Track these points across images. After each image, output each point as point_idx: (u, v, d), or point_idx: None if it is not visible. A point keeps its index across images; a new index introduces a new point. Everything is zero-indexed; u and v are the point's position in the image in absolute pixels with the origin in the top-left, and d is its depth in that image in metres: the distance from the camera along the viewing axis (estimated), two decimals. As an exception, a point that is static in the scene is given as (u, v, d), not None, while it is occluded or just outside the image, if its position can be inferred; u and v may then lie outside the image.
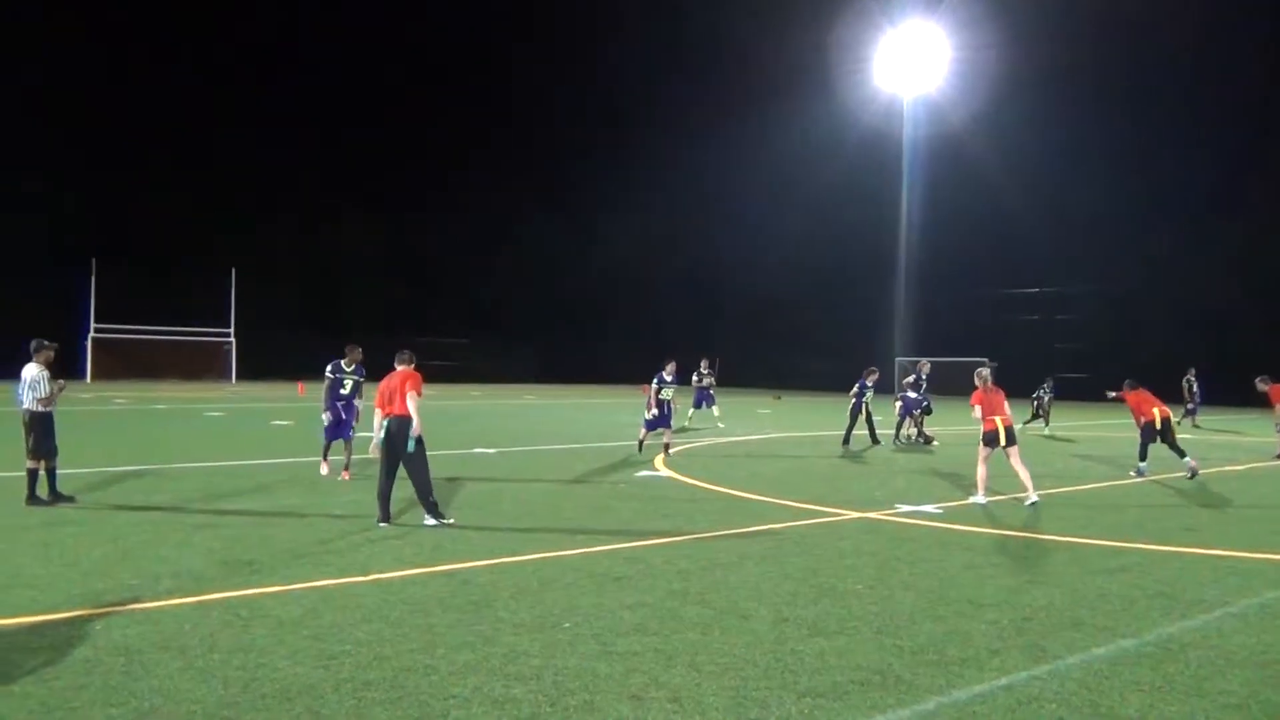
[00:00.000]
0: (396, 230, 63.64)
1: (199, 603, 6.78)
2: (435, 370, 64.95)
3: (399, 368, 10.50)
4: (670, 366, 18.08)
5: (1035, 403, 25.21)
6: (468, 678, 5.31)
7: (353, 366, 13.99)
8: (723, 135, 62.45)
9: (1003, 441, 12.51)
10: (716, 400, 25.81)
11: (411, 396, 10.02)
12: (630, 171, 65.66)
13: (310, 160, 61.97)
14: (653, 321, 66.97)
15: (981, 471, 12.82)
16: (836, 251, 58.37)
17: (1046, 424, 25.23)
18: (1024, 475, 12.40)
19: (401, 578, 7.63)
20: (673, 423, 18.30)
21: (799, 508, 11.73)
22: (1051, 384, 25.50)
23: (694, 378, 25.36)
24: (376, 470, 10.22)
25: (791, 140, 58.33)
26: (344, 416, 13.84)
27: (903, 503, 12.24)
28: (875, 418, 21.25)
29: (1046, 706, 5.07)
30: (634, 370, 62.44)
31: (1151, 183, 46.78)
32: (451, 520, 9.97)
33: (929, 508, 11.88)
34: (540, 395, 47.38)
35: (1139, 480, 15.23)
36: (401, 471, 10.14)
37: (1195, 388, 29.24)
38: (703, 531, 9.85)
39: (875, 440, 20.64)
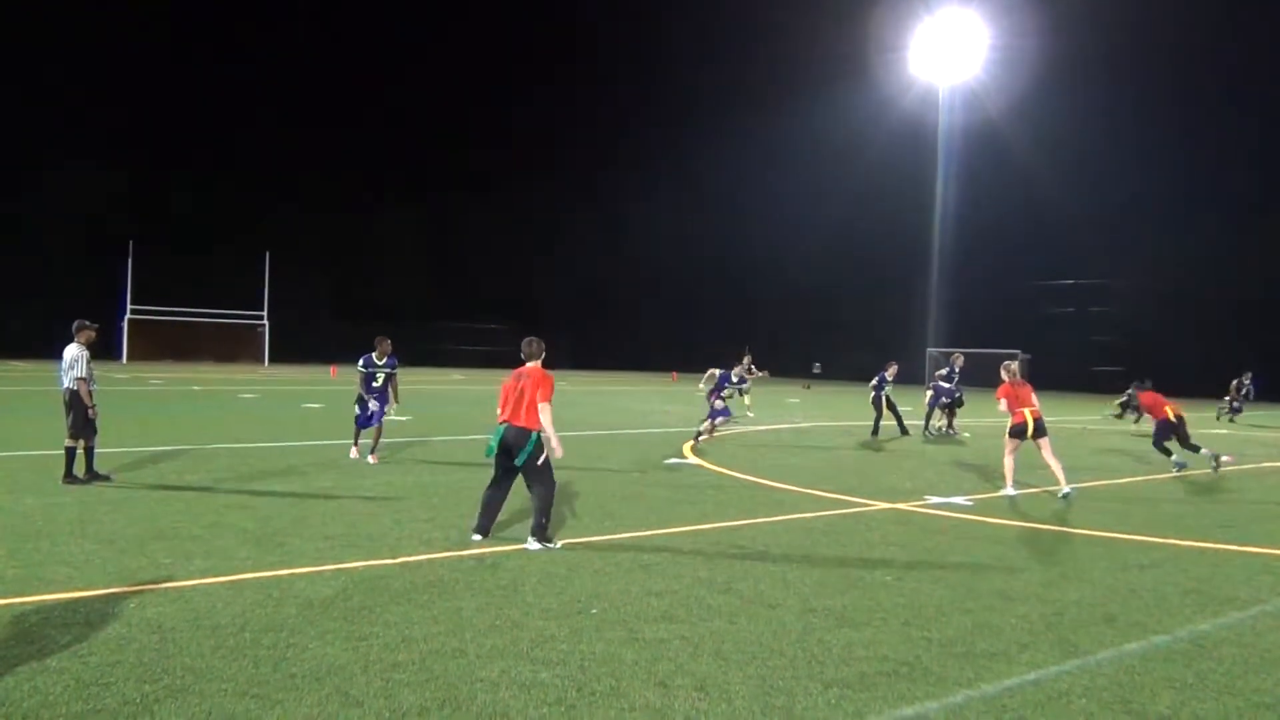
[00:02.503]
0: (432, 217, 63.92)
1: (231, 582, 6.86)
2: (469, 356, 65.35)
3: (528, 363, 8.87)
4: (740, 365, 19.97)
5: (1125, 399, 24.27)
6: (495, 662, 5.34)
7: (384, 359, 14.09)
8: (759, 126, 62.11)
9: (1031, 434, 12.38)
10: (749, 390, 25.65)
11: (544, 409, 8.45)
12: (667, 163, 65.58)
13: (347, 146, 62.36)
14: (687, 312, 66.95)
15: (1009, 464, 12.70)
16: (871, 242, 58.01)
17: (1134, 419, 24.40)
18: (1056, 467, 12.24)
19: (430, 560, 7.68)
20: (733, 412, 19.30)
21: (828, 498, 11.69)
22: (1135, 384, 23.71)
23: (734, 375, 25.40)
24: (405, 455, 10.22)
25: (827, 131, 57.95)
26: (378, 407, 13.94)
27: (932, 494, 12.16)
28: (903, 408, 21.12)
29: (1076, 702, 5.02)
30: (667, 359, 62.80)
31: (1195, 173, 46.14)
32: (558, 546, 8.40)
33: (959, 499, 11.80)
34: (572, 383, 47.47)
35: (1175, 475, 15.04)
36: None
37: (1248, 387, 28.87)
38: (730, 520, 9.84)
39: (904, 431, 20.54)
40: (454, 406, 26.85)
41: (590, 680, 5.08)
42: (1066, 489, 12.00)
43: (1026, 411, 12.46)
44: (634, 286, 69.91)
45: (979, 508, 11.29)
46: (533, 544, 8.29)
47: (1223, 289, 45.26)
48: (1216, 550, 9.22)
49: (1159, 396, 16.43)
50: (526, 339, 9.09)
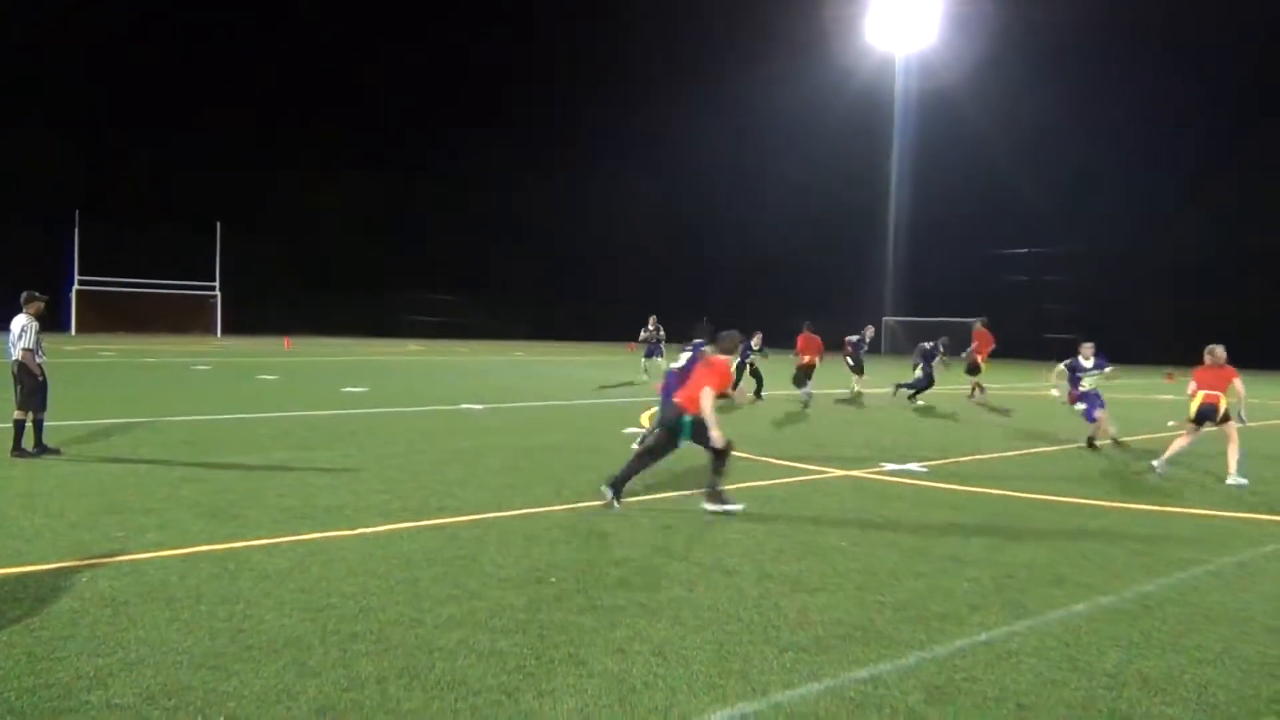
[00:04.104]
0: (387, 186, 63.16)
1: (186, 555, 6.80)
2: (425, 326, 64.94)
3: (709, 351, 9.06)
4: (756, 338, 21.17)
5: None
6: (453, 631, 5.35)
7: None
8: (718, 94, 61.95)
9: (1217, 419, 11.57)
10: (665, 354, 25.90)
11: (706, 394, 8.60)
12: (626, 131, 65.18)
13: (298, 114, 61.35)
14: (645, 280, 66.89)
15: (1182, 444, 11.94)
16: (828, 210, 58.24)
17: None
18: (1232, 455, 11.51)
19: (388, 532, 7.66)
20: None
21: (784, 465, 11.79)
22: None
23: (642, 334, 26.58)
24: (360, 427, 10.15)
25: (785, 99, 57.93)
26: None
27: (888, 461, 12.31)
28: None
29: (1025, 661, 5.14)
30: (624, 329, 62.66)
31: (1146, 141, 46.71)
32: (739, 507, 8.72)
33: (914, 466, 11.96)
34: (530, 353, 47.36)
35: (1113, 442, 15.31)
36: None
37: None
38: (687, 488, 9.90)
39: (759, 397, 21.57)
40: (410, 378, 26.70)
41: (549, 648, 5.12)
42: (1237, 479, 11.26)
43: (1201, 393, 11.65)
44: (593, 256, 69.69)
45: (933, 474, 11.45)
46: (709, 505, 8.75)
47: (1180, 252, 45.87)
48: (1163, 513, 9.44)
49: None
50: (725, 333, 9.58)
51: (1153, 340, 41.83)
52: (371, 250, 62.86)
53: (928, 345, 22.08)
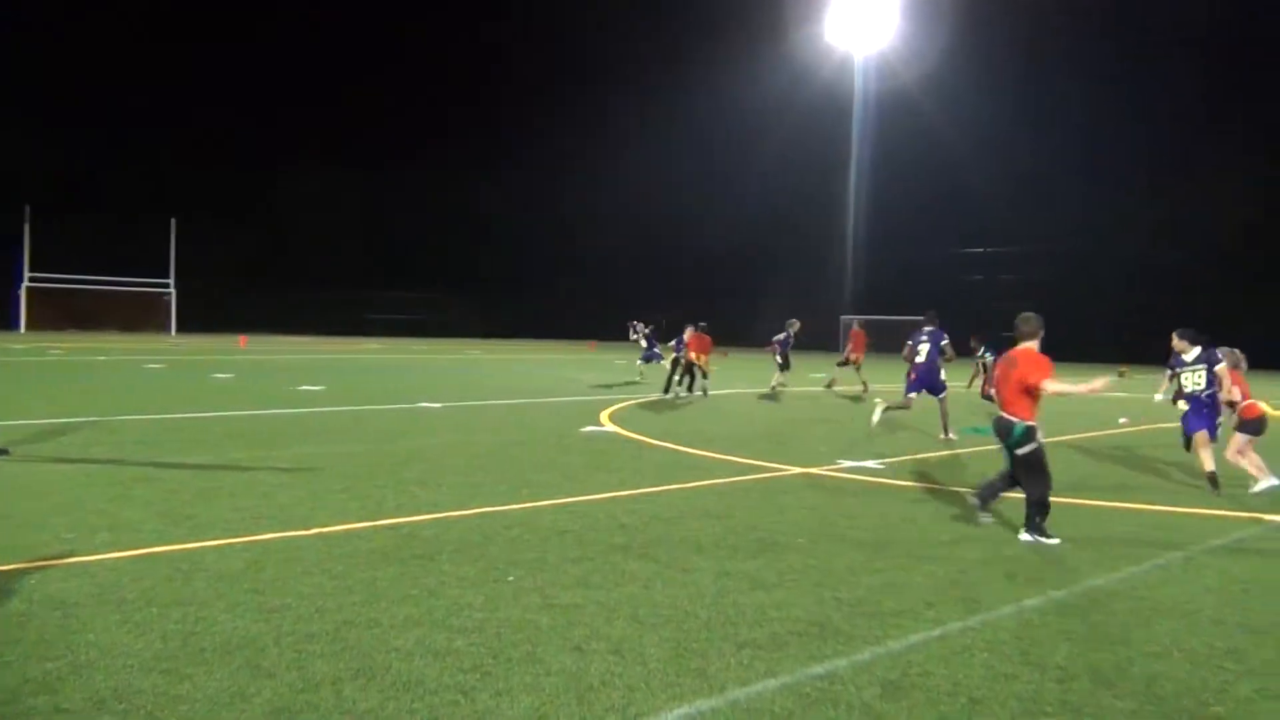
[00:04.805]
0: (346, 182, 62.61)
1: (137, 556, 6.70)
2: (387, 325, 64.45)
3: (1021, 344, 8.17)
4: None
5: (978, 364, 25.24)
6: (410, 630, 5.32)
7: None
8: (678, 92, 62.10)
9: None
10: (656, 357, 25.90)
11: (1049, 386, 7.77)
12: (584, 129, 65.14)
13: (256, 109, 60.64)
14: (608, 279, 66.87)
15: (1251, 459, 10.78)
16: (787, 209, 58.57)
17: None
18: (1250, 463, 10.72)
19: (344, 531, 7.60)
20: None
21: (743, 463, 11.84)
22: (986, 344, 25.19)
23: (631, 335, 26.38)
24: (319, 426, 10.06)
25: (743, 98, 58.18)
26: None
27: (846, 458, 12.40)
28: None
29: (978, 655, 5.21)
30: (582, 327, 62.68)
31: (1101, 143, 47.44)
32: (1056, 541, 7.89)
33: (871, 463, 12.07)
34: (489, 351, 47.19)
35: (1070, 438, 15.56)
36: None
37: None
38: (646, 486, 9.92)
39: (668, 392, 21.81)
40: (368, 376, 26.49)
41: (506, 647, 5.11)
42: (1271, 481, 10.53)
43: (1264, 405, 10.74)
44: (552, 254, 69.55)
45: (891, 471, 11.57)
46: (1023, 535, 8.01)
47: (1133, 252, 46.59)
48: (1113, 509, 9.60)
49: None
50: (1022, 315, 8.29)
51: (1109, 338, 42.43)
52: (331, 247, 62.28)
53: (780, 336, 23.23)
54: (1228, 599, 6.47)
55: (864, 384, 23.98)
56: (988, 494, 8.56)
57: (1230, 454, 10.78)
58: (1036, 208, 50.39)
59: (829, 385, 24.59)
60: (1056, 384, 7.77)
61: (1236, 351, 10.94)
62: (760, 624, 5.63)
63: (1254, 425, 10.69)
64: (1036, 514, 7.97)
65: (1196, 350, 10.85)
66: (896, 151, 54.73)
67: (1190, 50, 45.80)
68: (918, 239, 54.68)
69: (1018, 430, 7.94)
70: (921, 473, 11.56)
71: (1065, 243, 49.69)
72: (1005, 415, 8.09)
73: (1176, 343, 11.03)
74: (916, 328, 15.71)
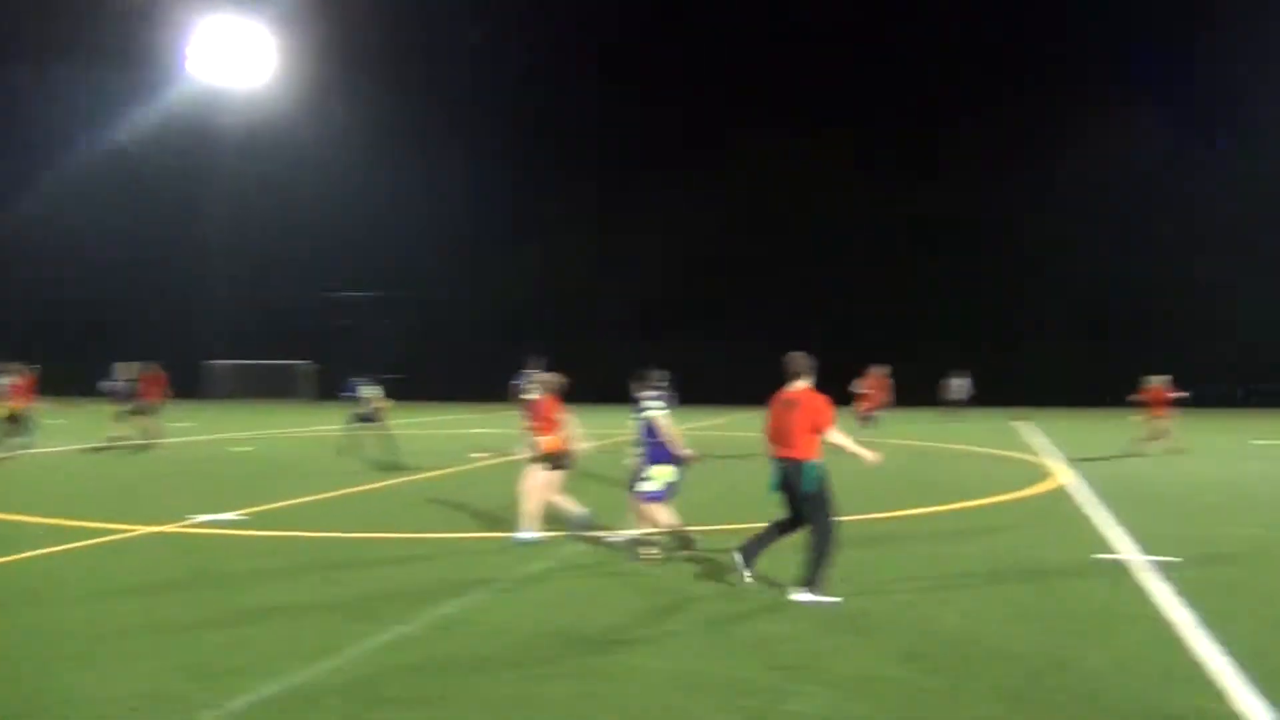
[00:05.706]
0: None
1: None
2: None
3: (797, 383, 7.56)
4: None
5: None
6: None
7: None
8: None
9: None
10: None
11: (812, 436, 7.28)
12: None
13: None
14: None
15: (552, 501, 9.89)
16: (151, 247, 53.69)
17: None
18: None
19: None
20: None
21: (80, 527, 10.49)
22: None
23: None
24: None
25: (101, 122, 52.56)
26: None
27: (201, 512, 11.52)
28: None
29: (327, 700, 5.12)
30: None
31: (464, 184, 50.76)
32: (837, 600, 7.05)
33: (231, 515, 11.36)
34: None
35: (423, 476, 16.21)
36: None
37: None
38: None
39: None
40: None
41: None
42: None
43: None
44: None
45: (253, 521, 11.04)
46: (800, 595, 7.15)
47: (497, 301, 50.19)
48: (475, 539, 10.12)
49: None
50: (791, 355, 7.67)
51: (476, 379, 44.63)
52: None
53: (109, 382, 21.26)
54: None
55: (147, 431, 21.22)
56: (755, 549, 7.66)
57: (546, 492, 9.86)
58: (404, 252, 51.72)
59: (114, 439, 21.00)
60: (838, 436, 7.53)
61: (552, 377, 10.27)
62: (84, 704, 4.97)
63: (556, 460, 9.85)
64: (821, 564, 7.22)
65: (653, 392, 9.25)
66: (263, 192, 53.08)
67: (521, 98, 51.17)
68: (291, 281, 53.34)
69: (811, 471, 7.29)
70: (286, 521, 11.20)
71: (431, 288, 51.93)
72: (792, 457, 7.36)
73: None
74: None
